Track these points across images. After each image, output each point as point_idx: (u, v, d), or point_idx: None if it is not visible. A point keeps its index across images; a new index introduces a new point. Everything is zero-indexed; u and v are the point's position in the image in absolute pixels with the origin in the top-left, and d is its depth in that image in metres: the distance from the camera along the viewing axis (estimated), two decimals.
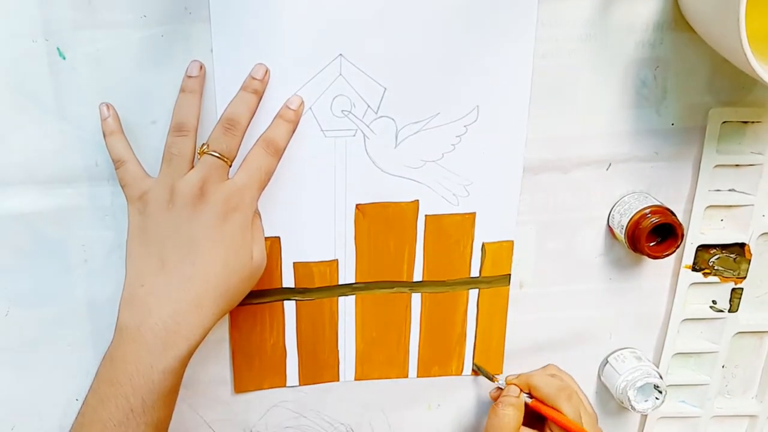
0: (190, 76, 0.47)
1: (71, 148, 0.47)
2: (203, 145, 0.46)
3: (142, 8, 0.46)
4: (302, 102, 0.48)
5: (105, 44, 0.46)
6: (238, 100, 0.47)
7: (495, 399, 0.56)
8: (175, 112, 0.47)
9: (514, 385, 0.55)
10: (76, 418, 0.43)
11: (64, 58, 0.46)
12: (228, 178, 0.46)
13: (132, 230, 0.46)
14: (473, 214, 0.53)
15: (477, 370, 0.58)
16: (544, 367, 0.58)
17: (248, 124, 0.47)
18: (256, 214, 0.49)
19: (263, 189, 0.48)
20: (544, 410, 0.53)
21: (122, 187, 0.47)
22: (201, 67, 0.47)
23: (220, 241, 0.45)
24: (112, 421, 0.41)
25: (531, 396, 0.54)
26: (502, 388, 0.56)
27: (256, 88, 0.47)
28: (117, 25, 0.46)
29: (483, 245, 0.54)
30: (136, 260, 0.45)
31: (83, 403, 0.43)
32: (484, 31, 0.48)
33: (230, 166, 0.47)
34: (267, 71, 0.47)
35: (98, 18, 0.46)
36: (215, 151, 0.46)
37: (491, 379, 0.57)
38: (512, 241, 0.55)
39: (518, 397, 0.54)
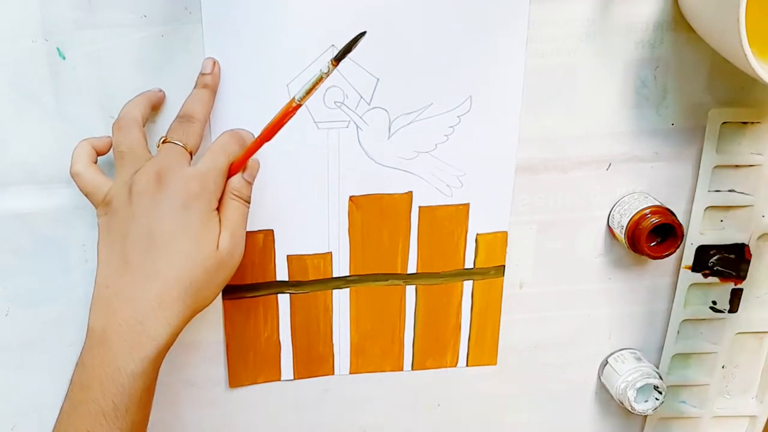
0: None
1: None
2: (161, 138, 0.46)
3: (142, 8, 0.46)
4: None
5: (105, 44, 0.46)
6: (191, 98, 0.47)
7: None
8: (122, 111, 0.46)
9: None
10: (54, 425, 0.42)
11: (64, 58, 0.46)
12: (189, 166, 0.45)
13: (100, 233, 0.44)
14: (467, 205, 0.53)
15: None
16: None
17: (206, 118, 0.47)
18: (233, 198, 0.46)
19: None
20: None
21: (86, 196, 0.46)
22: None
23: (180, 232, 0.42)
24: (85, 427, 0.40)
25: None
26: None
27: (206, 82, 0.47)
28: (117, 25, 0.46)
29: (477, 236, 0.54)
30: (103, 261, 0.44)
31: (60, 410, 0.42)
32: (477, 21, 0.48)
33: (191, 156, 0.45)
34: (215, 63, 0.47)
35: (98, 18, 0.46)
36: (174, 140, 0.45)
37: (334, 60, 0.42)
38: (506, 232, 0.54)
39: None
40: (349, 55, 0.41)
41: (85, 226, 0.50)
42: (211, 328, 0.54)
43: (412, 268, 0.55)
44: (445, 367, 0.58)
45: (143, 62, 0.47)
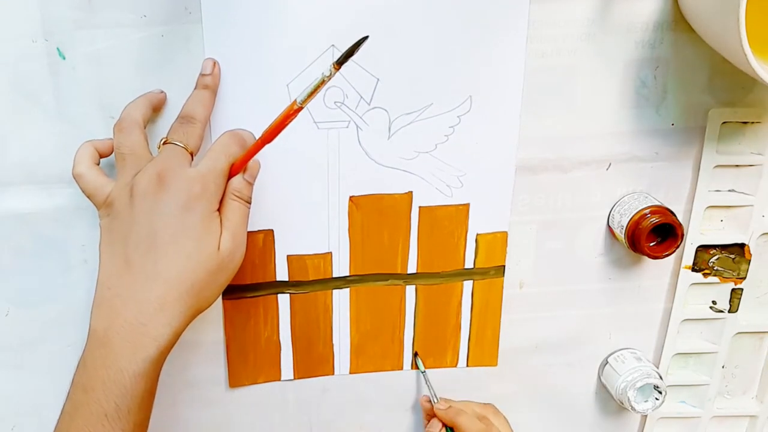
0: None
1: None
2: (162, 139, 0.46)
3: (142, 8, 0.46)
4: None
5: (105, 44, 0.46)
6: (191, 99, 0.47)
7: (425, 410, 0.56)
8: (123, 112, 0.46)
9: (438, 419, 0.54)
10: (55, 426, 0.42)
11: (64, 58, 0.46)
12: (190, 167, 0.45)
13: (102, 234, 0.44)
14: (467, 205, 0.53)
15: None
16: (484, 405, 0.56)
17: (206, 119, 0.47)
18: (233, 199, 0.46)
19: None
20: None
21: (88, 197, 0.46)
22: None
23: (182, 233, 0.42)
24: (87, 428, 0.40)
25: None
26: (430, 401, 0.56)
27: (206, 83, 0.47)
28: (117, 25, 0.46)
29: (477, 236, 0.54)
30: (105, 262, 0.44)
31: (61, 411, 0.42)
32: (477, 21, 0.48)
33: (192, 157, 0.45)
34: (215, 63, 0.47)
35: (98, 18, 0.46)
36: (175, 141, 0.45)
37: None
38: (506, 232, 0.55)
39: None
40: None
41: (85, 226, 0.50)
42: (211, 328, 0.54)
43: (412, 268, 0.55)
44: (446, 367, 0.58)
45: (143, 62, 0.47)
